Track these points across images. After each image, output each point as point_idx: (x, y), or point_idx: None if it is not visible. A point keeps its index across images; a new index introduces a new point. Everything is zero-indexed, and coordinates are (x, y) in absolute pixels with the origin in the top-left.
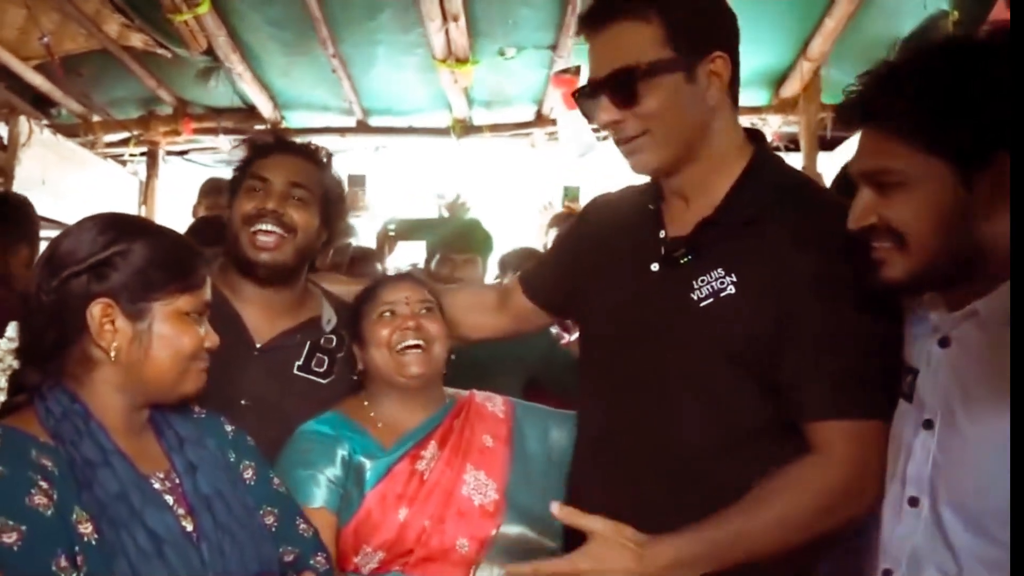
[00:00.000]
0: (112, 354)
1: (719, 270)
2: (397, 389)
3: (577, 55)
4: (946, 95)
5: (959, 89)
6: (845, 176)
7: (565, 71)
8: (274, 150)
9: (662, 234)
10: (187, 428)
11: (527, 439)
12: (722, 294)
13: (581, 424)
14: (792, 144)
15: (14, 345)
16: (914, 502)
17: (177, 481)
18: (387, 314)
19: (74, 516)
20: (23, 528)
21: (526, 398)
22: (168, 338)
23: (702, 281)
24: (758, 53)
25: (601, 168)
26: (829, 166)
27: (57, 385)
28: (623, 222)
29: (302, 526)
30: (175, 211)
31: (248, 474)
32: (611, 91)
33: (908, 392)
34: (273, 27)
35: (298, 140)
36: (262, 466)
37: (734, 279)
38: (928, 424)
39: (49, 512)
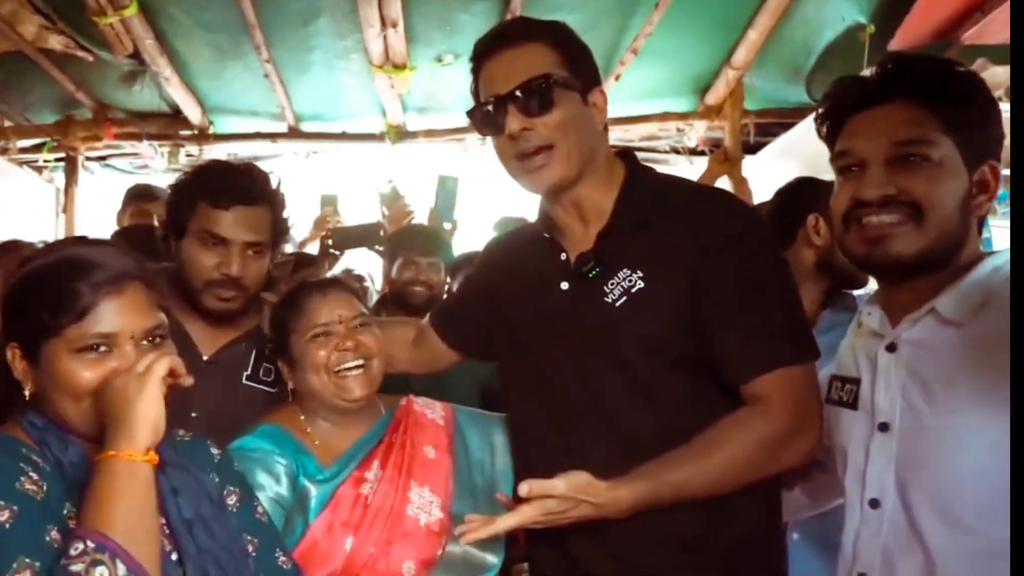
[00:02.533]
0: (26, 394)
1: (625, 270)
2: (333, 409)
3: None
4: (979, 100)
5: (983, 99)
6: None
7: None
8: (231, 201)
9: (563, 256)
10: (170, 452)
11: (469, 446)
12: (633, 290)
13: (516, 435)
14: (716, 148)
15: None
16: (875, 504)
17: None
18: (321, 336)
19: (65, 511)
20: (14, 508)
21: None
22: (61, 377)
23: (612, 284)
24: (685, 62)
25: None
26: (752, 169)
27: (34, 410)
28: (523, 256)
29: (281, 558)
30: (96, 219)
31: (232, 500)
32: (526, 99)
33: (850, 400)
34: (205, 31)
35: (227, 147)
36: (247, 493)
37: (641, 275)
38: (884, 427)
39: (39, 497)
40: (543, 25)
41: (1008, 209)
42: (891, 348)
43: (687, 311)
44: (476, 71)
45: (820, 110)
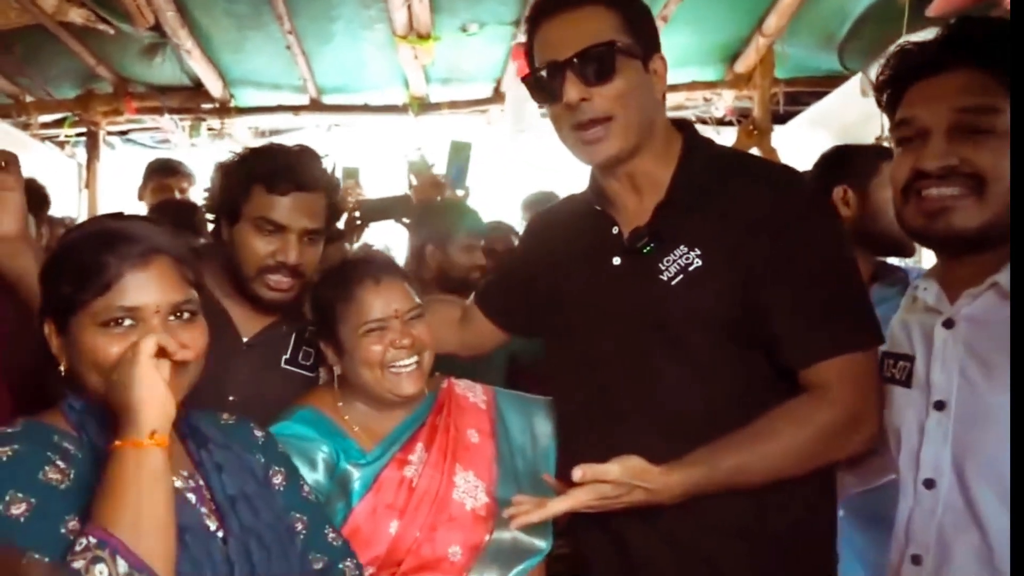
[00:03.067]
0: (61, 370)
1: (681, 247)
2: (383, 401)
3: None
4: None
5: None
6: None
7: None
8: (290, 187)
9: (615, 230)
10: (214, 431)
11: (511, 431)
12: (690, 268)
13: (561, 414)
14: (744, 118)
15: None
16: (930, 484)
17: (201, 483)
18: (376, 331)
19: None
20: (32, 500)
21: (509, 374)
22: (87, 351)
23: (667, 261)
24: (716, 29)
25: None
26: (782, 139)
27: (74, 391)
28: (571, 229)
29: (331, 535)
30: (119, 195)
31: (277, 479)
32: (585, 67)
33: (903, 378)
34: (226, 1)
35: (249, 120)
36: (292, 472)
37: (698, 252)
38: (940, 405)
39: (63, 486)
40: None
41: None
42: (948, 324)
43: (746, 292)
44: (531, 33)
45: (880, 79)
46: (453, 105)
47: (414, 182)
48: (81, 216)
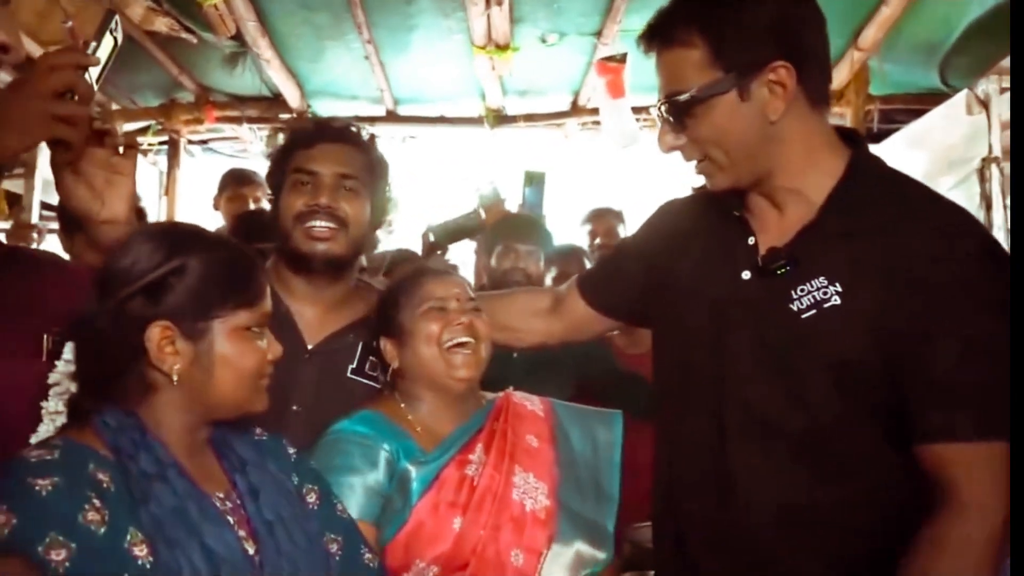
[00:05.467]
0: (175, 378)
1: (821, 279)
2: (437, 391)
3: (623, 41)
4: None
5: None
6: None
7: (610, 59)
8: (318, 139)
9: (751, 241)
10: (248, 451)
11: (571, 438)
12: (826, 305)
13: (662, 437)
14: None
15: (72, 368)
16: None
17: (239, 502)
18: (437, 309)
19: (128, 538)
20: (73, 546)
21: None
22: (231, 357)
23: (801, 291)
24: None
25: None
26: None
27: (115, 407)
28: (703, 228)
29: (367, 555)
30: (197, 203)
31: (311, 498)
32: (669, 114)
33: None
34: (306, 10)
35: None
36: (326, 491)
37: (839, 288)
38: None
39: (102, 531)
40: (693, 13)
41: None
42: None
43: (883, 344)
44: None
45: None
46: (529, 118)
47: (484, 216)
48: None
